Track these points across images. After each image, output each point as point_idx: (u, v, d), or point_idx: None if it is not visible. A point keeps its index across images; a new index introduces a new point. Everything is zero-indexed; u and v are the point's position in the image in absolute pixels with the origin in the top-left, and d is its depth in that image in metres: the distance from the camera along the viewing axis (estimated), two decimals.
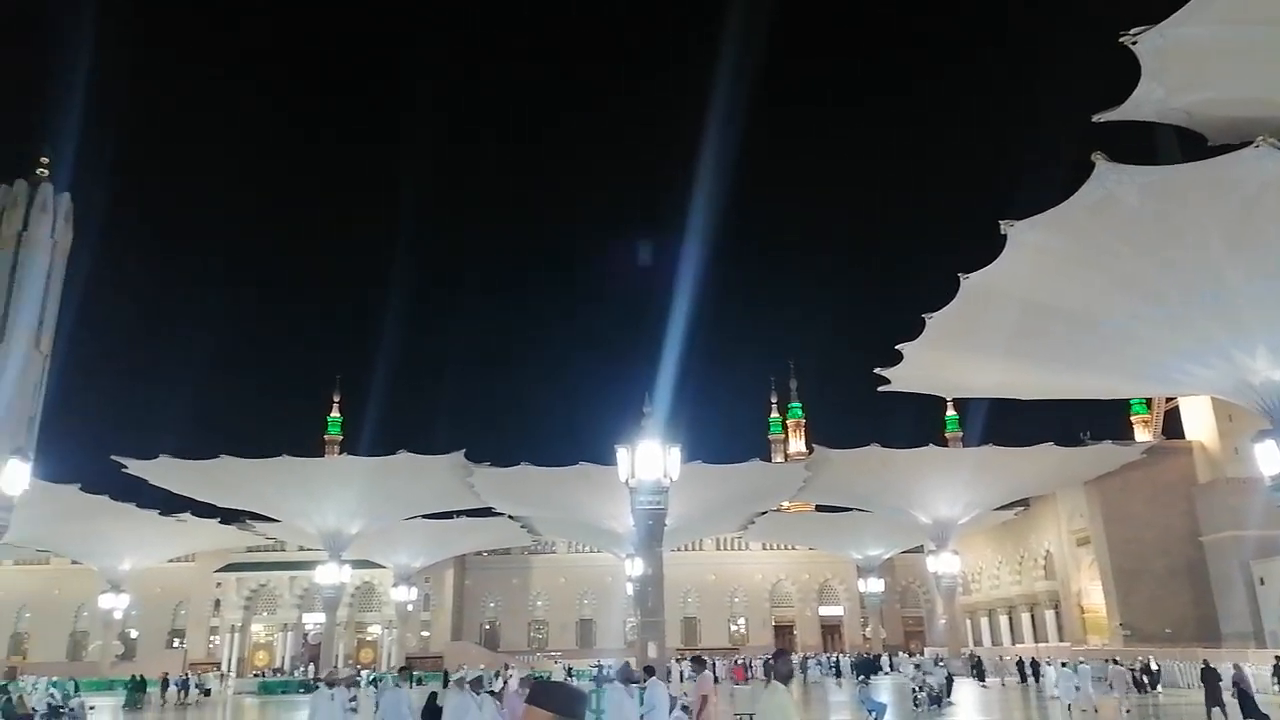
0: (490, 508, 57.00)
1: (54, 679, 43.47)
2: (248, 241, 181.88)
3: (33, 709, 29.95)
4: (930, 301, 29.39)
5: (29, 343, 34.91)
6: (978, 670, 47.35)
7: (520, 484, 50.54)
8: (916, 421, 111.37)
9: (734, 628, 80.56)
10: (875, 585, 69.76)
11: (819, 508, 70.27)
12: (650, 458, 34.85)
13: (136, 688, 42.26)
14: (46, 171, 38.10)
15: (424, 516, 59.94)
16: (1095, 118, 24.06)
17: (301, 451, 51.04)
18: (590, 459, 44.76)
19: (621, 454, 35.68)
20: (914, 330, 31.41)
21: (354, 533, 54.64)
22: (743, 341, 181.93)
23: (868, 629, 74.95)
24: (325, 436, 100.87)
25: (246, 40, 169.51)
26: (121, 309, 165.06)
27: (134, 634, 76.22)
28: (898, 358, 34.12)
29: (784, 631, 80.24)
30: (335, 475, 52.55)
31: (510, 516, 60.93)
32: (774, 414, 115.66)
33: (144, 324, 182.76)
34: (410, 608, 69.45)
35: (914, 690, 30.44)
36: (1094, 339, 28.97)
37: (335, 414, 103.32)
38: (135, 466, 48.50)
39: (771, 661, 7.13)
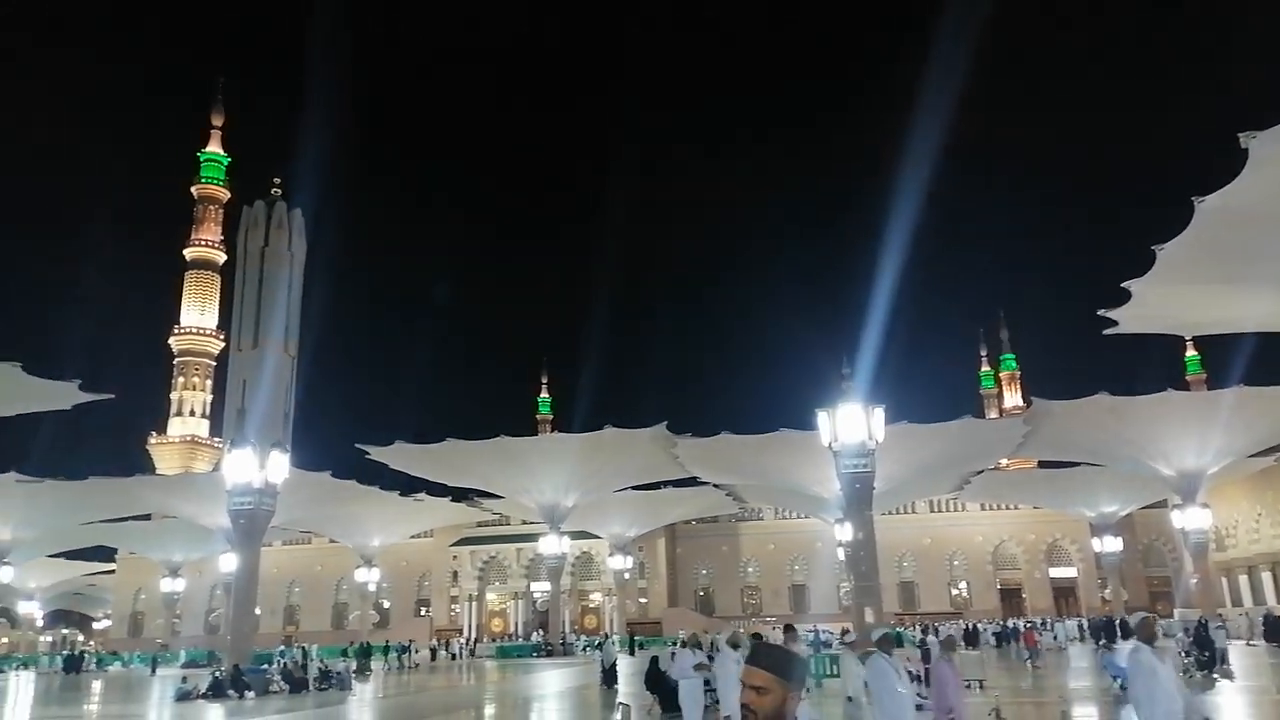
0: (695, 477, 57.94)
1: (282, 647, 48.76)
2: (461, 240, 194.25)
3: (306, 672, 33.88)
4: (1162, 232, 26.54)
5: (279, 347, 39.16)
6: None
7: (722, 453, 50.95)
8: (1150, 365, 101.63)
9: (955, 592, 77.52)
10: (1112, 544, 64.64)
11: (1042, 464, 65.99)
12: (852, 420, 34.07)
13: (362, 654, 46.69)
14: (280, 191, 42.46)
15: (633, 488, 61.90)
16: None
17: (516, 431, 54.17)
18: (791, 424, 44.36)
19: (822, 418, 35.08)
20: (1143, 265, 28.52)
21: (569, 505, 57.39)
22: (946, 292, 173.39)
23: (1106, 591, 69.78)
24: (537, 416, 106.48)
25: (447, 38, 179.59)
26: (355, 311, 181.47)
27: (386, 604, 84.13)
28: (1124, 297, 31.19)
29: (1011, 595, 76.32)
30: (548, 452, 55.31)
31: (715, 485, 61.64)
32: (984, 367, 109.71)
33: (375, 323, 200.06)
34: (627, 576, 72.17)
35: (1182, 654, 27.96)
36: None
37: (544, 394, 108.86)
38: (375, 452, 53.45)
39: None
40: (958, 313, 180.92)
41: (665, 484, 62.80)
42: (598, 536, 72.01)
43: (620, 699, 23.21)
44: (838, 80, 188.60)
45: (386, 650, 50.07)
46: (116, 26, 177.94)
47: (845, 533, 44.29)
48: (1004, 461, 65.83)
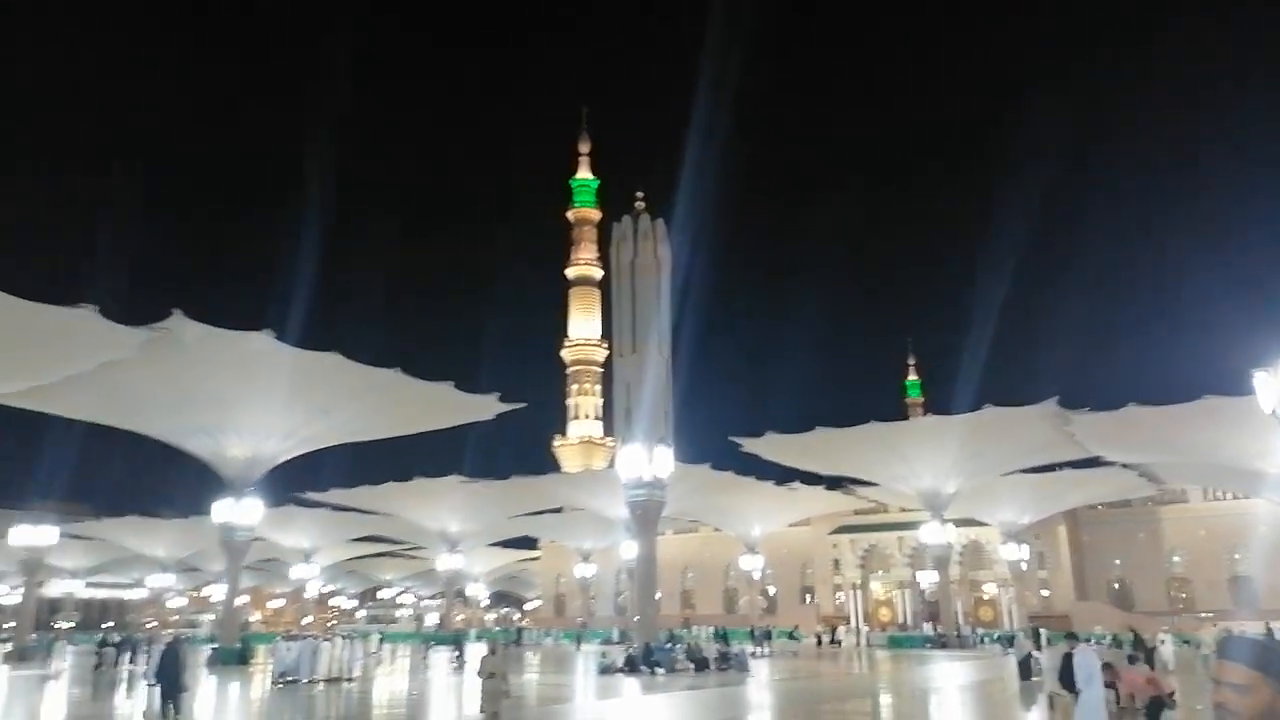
0: (1096, 457, 51.97)
1: (622, 629, 51.50)
2: (823, 232, 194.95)
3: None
4: None
5: (655, 349, 42.11)
6: None
7: (1129, 428, 45.01)
8: None
9: None
10: None
11: None
12: None
13: (720, 638, 47.80)
14: (643, 204, 45.73)
15: (1023, 471, 57.18)
16: None
17: (884, 416, 52.64)
18: (1214, 390, 37.95)
19: (1260, 379, 29.44)
20: None
21: (951, 492, 54.51)
22: None
23: None
24: (906, 399, 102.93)
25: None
26: (724, 306, 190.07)
27: (772, 590, 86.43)
28: None
29: None
30: (923, 437, 53.07)
31: (1123, 465, 54.84)
32: None
33: (741, 320, 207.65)
34: (1024, 566, 66.95)
35: None
36: None
37: (912, 376, 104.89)
38: (748, 444, 55.17)
39: None
40: None
41: (1061, 465, 57.17)
42: (986, 524, 67.57)
43: (1046, 692, 21.96)
44: None
45: (752, 635, 51.75)
46: (493, 79, 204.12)
47: None
48: None
